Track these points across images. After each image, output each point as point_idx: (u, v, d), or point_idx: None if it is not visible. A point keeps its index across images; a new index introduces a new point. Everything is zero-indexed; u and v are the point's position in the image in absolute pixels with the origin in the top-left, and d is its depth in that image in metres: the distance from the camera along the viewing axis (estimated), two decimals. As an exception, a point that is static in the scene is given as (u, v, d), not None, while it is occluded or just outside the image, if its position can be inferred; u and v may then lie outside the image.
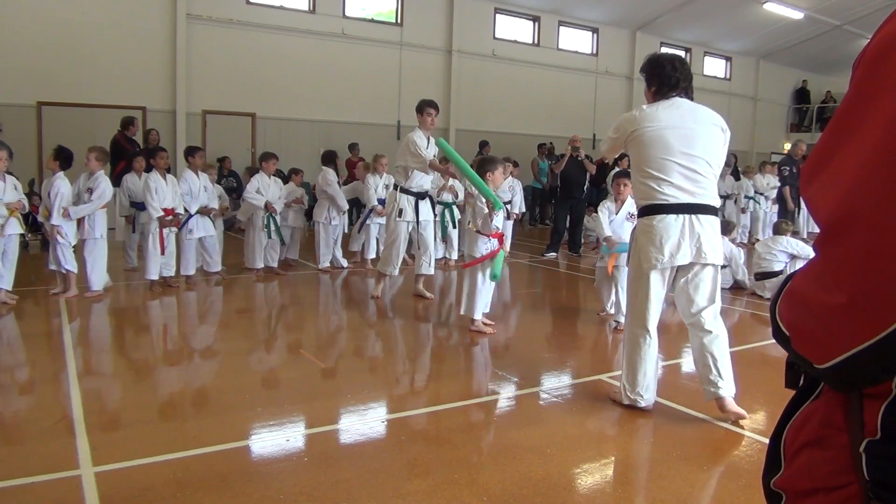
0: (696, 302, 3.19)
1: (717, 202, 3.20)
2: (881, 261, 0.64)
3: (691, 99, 3.23)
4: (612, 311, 5.33)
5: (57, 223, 5.71)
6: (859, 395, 0.73)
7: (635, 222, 3.46)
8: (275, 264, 7.31)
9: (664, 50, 17.03)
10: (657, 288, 3.20)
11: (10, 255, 5.59)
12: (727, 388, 3.19)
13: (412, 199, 6.01)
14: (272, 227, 7.10)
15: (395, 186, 6.08)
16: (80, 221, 5.92)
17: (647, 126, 3.10)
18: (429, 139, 5.94)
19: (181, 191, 6.45)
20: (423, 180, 6.08)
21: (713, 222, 3.15)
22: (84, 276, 5.92)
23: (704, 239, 3.10)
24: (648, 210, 3.14)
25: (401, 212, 5.97)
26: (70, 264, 5.85)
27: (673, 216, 3.08)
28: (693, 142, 3.08)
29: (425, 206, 6.13)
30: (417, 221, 6.05)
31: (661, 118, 3.11)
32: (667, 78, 3.18)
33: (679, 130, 3.08)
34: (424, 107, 5.89)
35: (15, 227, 5.61)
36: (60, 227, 5.75)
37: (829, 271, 0.70)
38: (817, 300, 0.72)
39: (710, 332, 3.19)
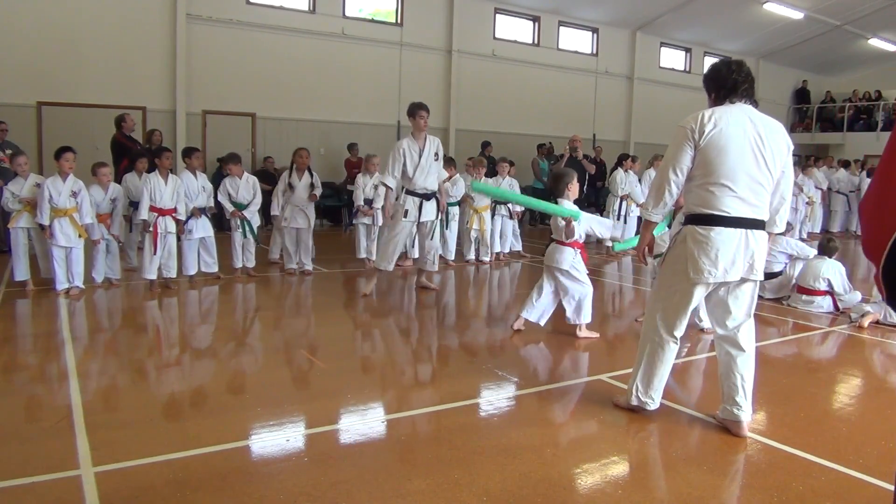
0: (735, 315, 3.07)
1: (768, 217, 3.03)
2: (876, 198, 1.10)
3: (756, 105, 3.02)
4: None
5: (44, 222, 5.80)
6: None
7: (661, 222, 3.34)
8: (251, 265, 7.14)
9: (664, 50, 17.05)
10: (698, 299, 3.08)
11: (19, 248, 6.00)
12: (748, 411, 3.09)
13: (417, 199, 6.10)
14: (246, 228, 7.03)
15: (403, 188, 6.16)
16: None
17: (720, 127, 2.87)
18: (425, 142, 6.03)
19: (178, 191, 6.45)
20: (428, 181, 6.11)
21: (764, 238, 3.01)
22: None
23: (757, 256, 2.96)
24: (705, 219, 2.94)
25: (406, 212, 6.08)
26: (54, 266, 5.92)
27: (732, 230, 2.90)
28: (763, 151, 2.89)
29: (430, 205, 6.20)
30: (419, 222, 6.18)
31: (731, 122, 2.89)
32: (723, 81, 2.98)
33: (750, 137, 2.88)
34: (416, 109, 5.99)
35: (25, 222, 5.98)
36: (52, 228, 5.82)
37: None
38: None
39: (745, 350, 3.07)
